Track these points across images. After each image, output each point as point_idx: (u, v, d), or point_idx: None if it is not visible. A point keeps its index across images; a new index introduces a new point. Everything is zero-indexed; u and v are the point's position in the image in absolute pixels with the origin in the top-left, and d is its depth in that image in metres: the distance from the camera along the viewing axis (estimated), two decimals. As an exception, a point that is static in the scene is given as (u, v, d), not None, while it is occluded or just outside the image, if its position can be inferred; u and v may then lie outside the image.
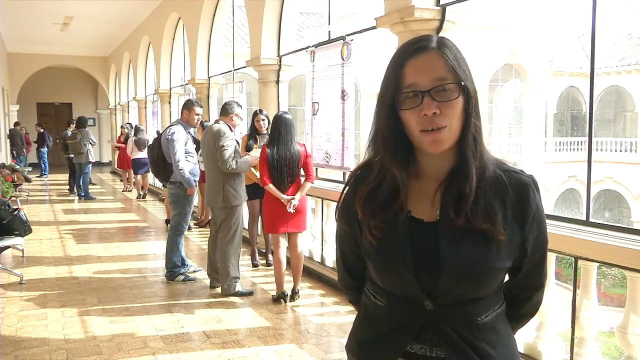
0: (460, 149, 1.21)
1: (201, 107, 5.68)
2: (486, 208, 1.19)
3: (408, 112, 1.18)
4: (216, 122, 5.20)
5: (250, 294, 5.13)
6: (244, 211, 6.17)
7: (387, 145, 1.25)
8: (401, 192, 1.24)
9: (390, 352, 1.27)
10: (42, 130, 17.48)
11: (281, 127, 4.76)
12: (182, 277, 5.59)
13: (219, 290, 5.23)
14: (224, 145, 4.88)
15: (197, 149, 6.07)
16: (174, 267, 5.59)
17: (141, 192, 12.41)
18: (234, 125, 5.21)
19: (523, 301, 1.37)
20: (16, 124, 16.84)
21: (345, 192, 1.37)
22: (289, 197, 4.72)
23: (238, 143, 5.21)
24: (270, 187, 4.71)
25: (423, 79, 1.16)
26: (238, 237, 5.14)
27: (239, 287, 5.11)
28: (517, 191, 1.23)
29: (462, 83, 1.17)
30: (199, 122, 5.77)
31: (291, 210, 4.73)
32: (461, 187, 1.20)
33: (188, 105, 5.58)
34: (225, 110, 5.20)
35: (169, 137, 5.38)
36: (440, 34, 3.91)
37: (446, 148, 1.19)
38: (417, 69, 1.18)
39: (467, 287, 1.21)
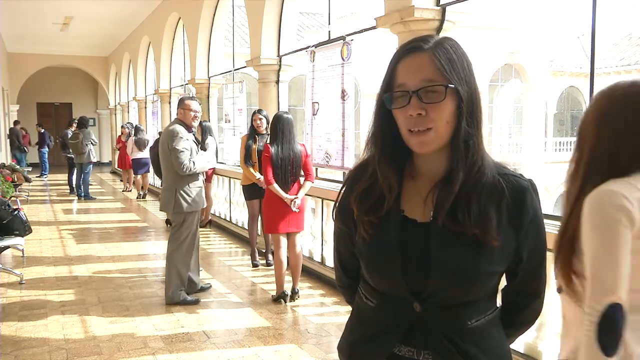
0: (450, 153, 1.20)
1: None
2: (480, 213, 1.17)
3: (397, 111, 1.19)
4: (173, 122, 4.94)
5: (196, 302, 4.87)
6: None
7: (377, 145, 1.26)
8: (387, 194, 1.24)
9: (377, 353, 1.27)
10: (42, 131, 17.49)
11: (284, 127, 4.78)
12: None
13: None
14: (177, 148, 4.58)
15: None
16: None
17: (141, 192, 12.41)
18: (192, 119, 4.83)
19: (520, 308, 1.35)
20: (15, 122, 16.86)
21: (342, 191, 1.38)
22: (293, 197, 4.73)
23: (197, 143, 4.94)
24: (275, 187, 4.72)
25: (412, 79, 1.16)
26: (188, 245, 4.83)
27: (184, 296, 4.86)
28: (515, 195, 1.21)
29: (451, 85, 1.15)
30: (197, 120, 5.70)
31: (295, 209, 4.75)
32: (448, 190, 1.19)
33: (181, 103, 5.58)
34: (181, 102, 4.88)
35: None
36: (441, 34, 3.91)
37: (432, 149, 1.18)
38: (408, 68, 1.18)
39: (456, 290, 1.19)
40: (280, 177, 4.74)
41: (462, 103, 1.17)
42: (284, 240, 4.84)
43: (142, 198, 12.28)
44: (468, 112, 1.18)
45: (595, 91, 2.11)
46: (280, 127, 4.77)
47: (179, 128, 4.73)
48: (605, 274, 1.23)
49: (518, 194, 1.21)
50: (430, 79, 1.15)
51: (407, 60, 1.19)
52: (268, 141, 4.95)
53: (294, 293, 4.92)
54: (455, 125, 1.18)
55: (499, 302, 1.35)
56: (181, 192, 4.71)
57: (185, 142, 4.68)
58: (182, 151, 4.62)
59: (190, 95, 5.89)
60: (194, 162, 4.68)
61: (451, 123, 1.17)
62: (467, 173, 1.19)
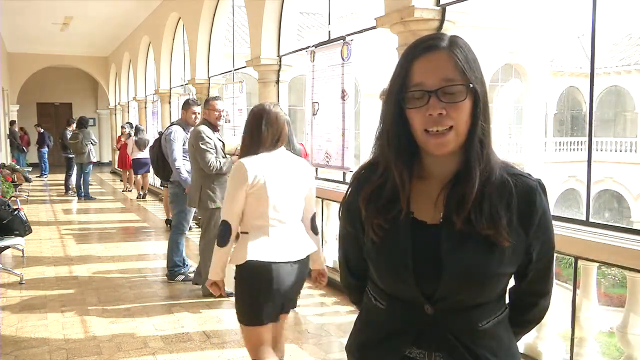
0: (466, 152, 1.18)
1: (199, 105, 5.67)
2: (491, 213, 1.16)
3: (414, 111, 1.16)
4: (200, 122, 5.09)
5: (230, 295, 5.03)
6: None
7: (392, 145, 1.23)
8: (401, 195, 1.22)
9: (389, 355, 1.26)
10: (42, 131, 17.53)
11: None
12: (182, 277, 5.59)
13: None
14: (202, 147, 4.71)
15: None
16: (174, 267, 5.60)
17: (141, 192, 12.40)
18: (215, 118, 4.92)
19: (529, 307, 1.35)
20: (12, 122, 16.92)
21: (348, 191, 1.36)
22: None
23: (222, 142, 5.03)
24: None
25: (430, 79, 1.14)
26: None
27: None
28: (523, 195, 1.20)
29: (471, 85, 1.14)
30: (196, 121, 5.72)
31: None
32: (464, 190, 1.17)
33: (185, 105, 5.62)
34: (206, 103, 5.04)
35: (167, 137, 5.45)
36: (440, 34, 3.91)
37: (450, 150, 1.17)
38: (425, 68, 1.16)
39: (468, 292, 1.19)
40: None
41: (480, 102, 1.16)
42: None
43: (142, 198, 12.27)
44: (483, 110, 1.17)
45: (596, 91, 2.17)
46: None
47: (203, 128, 4.87)
48: (228, 205, 2.62)
49: (527, 193, 1.21)
50: (450, 78, 1.14)
51: (423, 58, 1.17)
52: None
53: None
54: (472, 124, 1.17)
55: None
56: (206, 189, 4.83)
57: (209, 140, 4.79)
58: (208, 150, 4.74)
59: (193, 98, 5.95)
60: (220, 161, 4.78)
61: (468, 122, 1.17)
62: (481, 172, 1.18)
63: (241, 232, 2.66)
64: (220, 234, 2.59)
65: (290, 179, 2.68)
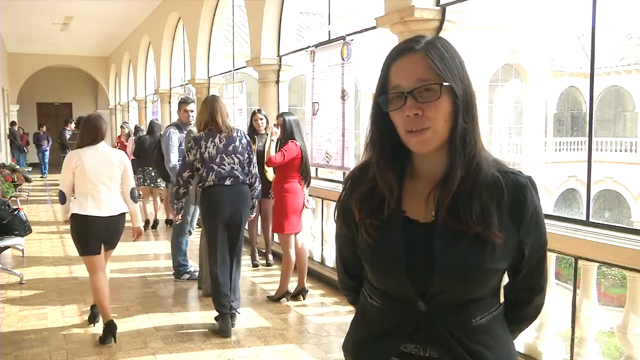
0: (448, 151, 1.20)
1: (190, 102, 5.65)
2: (481, 211, 1.18)
3: (394, 112, 1.19)
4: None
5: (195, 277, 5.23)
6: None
7: (375, 146, 1.27)
8: (387, 194, 1.24)
9: (384, 353, 1.28)
10: (44, 131, 17.58)
11: (299, 126, 4.87)
12: (188, 275, 5.61)
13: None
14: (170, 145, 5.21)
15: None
16: (180, 267, 5.63)
17: (141, 192, 12.37)
18: (185, 118, 5.41)
19: (523, 304, 1.36)
20: (12, 123, 16.94)
21: (343, 192, 1.38)
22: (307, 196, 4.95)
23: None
24: (298, 186, 4.82)
25: (406, 80, 1.17)
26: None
27: None
28: (514, 193, 1.21)
29: (446, 83, 1.15)
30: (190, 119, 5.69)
31: (310, 207, 5.05)
32: (447, 189, 1.19)
33: (178, 105, 5.74)
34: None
35: (164, 138, 5.56)
36: (440, 34, 3.91)
37: (432, 148, 1.19)
38: (401, 70, 1.19)
39: (460, 288, 1.20)
40: (304, 175, 4.80)
41: (458, 100, 1.17)
42: (293, 239, 4.88)
43: (142, 198, 12.24)
44: (464, 109, 1.18)
45: (596, 91, 2.17)
46: (298, 127, 4.85)
47: (193, 128, 5.02)
48: (62, 179, 4.01)
49: (517, 191, 1.22)
50: (424, 78, 1.16)
51: (399, 61, 1.20)
52: (272, 140, 4.91)
53: (305, 292, 4.95)
54: (453, 123, 1.18)
55: (502, 299, 1.35)
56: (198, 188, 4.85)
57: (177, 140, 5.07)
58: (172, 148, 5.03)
59: (185, 96, 6.01)
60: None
61: (449, 121, 1.18)
62: (466, 170, 1.19)
63: (72, 198, 3.98)
64: (59, 197, 4.03)
65: (105, 163, 3.97)
